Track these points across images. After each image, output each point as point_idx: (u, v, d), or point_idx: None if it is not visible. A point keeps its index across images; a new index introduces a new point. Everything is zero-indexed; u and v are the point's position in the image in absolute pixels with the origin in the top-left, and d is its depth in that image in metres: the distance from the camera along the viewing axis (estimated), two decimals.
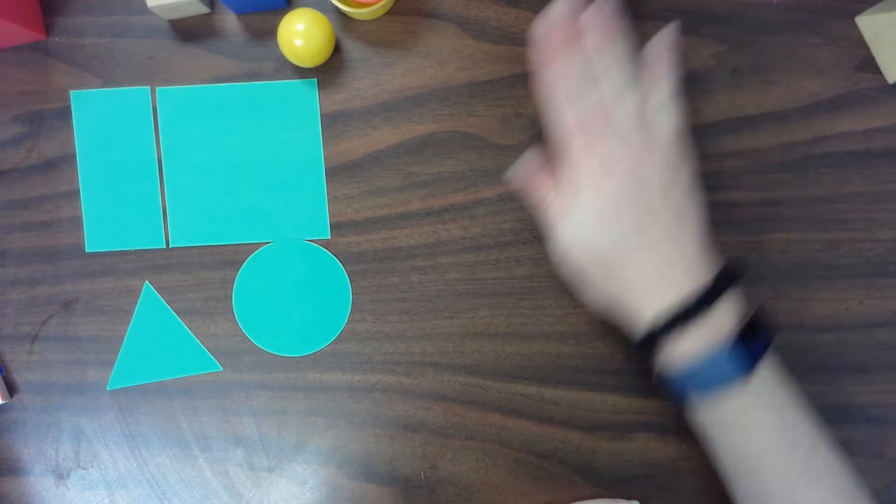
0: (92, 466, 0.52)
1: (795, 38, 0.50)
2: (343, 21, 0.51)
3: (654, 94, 0.43)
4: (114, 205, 0.52)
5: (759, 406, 0.40)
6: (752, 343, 0.40)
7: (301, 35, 0.47)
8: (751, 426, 0.41)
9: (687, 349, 0.40)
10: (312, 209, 0.51)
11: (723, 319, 0.40)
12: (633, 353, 0.48)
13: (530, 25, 0.50)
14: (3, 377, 0.52)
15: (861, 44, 0.50)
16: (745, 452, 0.41)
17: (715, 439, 0.43)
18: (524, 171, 0.47)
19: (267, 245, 0.52)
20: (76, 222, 0.52)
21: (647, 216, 0.41)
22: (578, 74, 0.42)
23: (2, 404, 0.52)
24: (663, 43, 0.44)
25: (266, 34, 0.51)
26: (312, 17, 0.47)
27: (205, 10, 0.51)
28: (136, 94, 0.51)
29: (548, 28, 0.44)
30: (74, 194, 0.52)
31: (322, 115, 0.51)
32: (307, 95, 0.51)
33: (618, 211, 0.41)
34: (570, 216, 0.43)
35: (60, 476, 0.52)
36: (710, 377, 0.40)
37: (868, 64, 0.50)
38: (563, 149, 0.43)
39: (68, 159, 0.52)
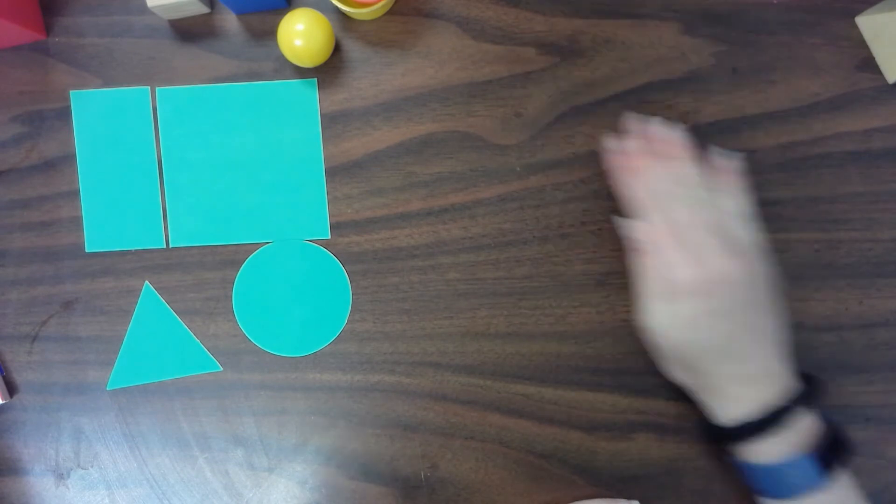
0: (92, 466, 0.52)
1: (795, 38, 0.50)
2: (343, 21, 0.51)
3: (730, 204, 0.45)
4: (114, 205, 0.52)
5: None
6: (830, 454, 0.42)
7: (301, 35, 0.47)
8: None
9: (768, 451, 0.42)
10: (312, 209, 0.51)
11: (804, 427, 0.42)
12: (702, 430, 0.49)
13: (527, 26, 0.50)
14: (3, 377, 0.52)
15: (861, 44, 0.50)
16: None
17: None
18: (639, 229, 0.46)
19: (267, 245, 0.52)
20: (76, 222, 0.52)
21: (738, 329, 0.42)
22: (662, 183, 0.45)
23: (2, 404, 0.52)
24: (729, 161, 0.47)
25: (266, 34, 0.51)
26: (312, 17, 0.47)
27: (205, 10, 0.51)
28: (136, 94, 0.52)
29: (629, 138, 0.47)
30: (74, 194, 0.52)
31: (322, 115, 0.51)
32: (307, 95, 0.51)
33: (711, 322, 0.42)
34: (665, 308, 0.44)
35: (60, 476, 0.52)
36: (789, 480, 0.42)
37: (868, 64, 0.50)
38: (670, 247, 0.43)
39: (68, 159, 0.52)
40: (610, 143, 0.48)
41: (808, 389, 0.43)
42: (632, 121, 0.48)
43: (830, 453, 0.42)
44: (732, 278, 0.42)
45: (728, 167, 0.47)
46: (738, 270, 0.42)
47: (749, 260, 0.43)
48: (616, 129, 0.50)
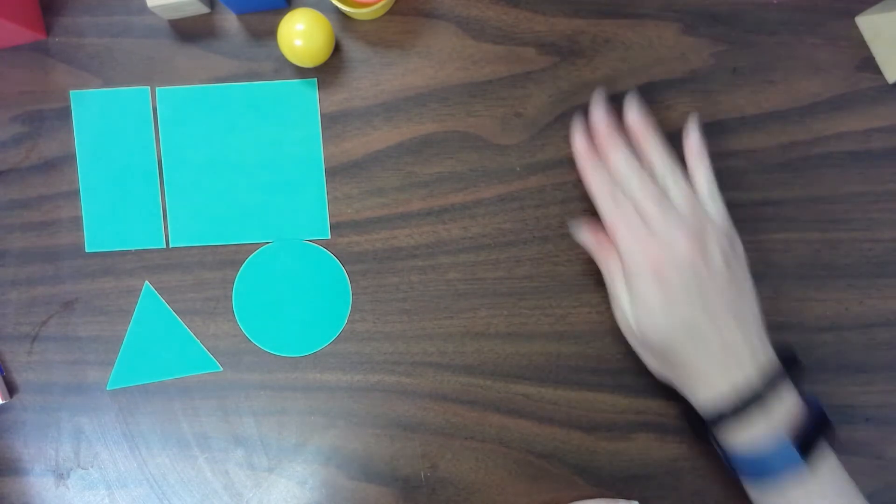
0: (92, 466, 0.52)
1: (795, 38, 0.50)
2: (343, 21, 0.51)
3: (697, 180, 0.45)
4: (114, 205, 0.52)
5: (823, 494, 0.41)
6: (813, 435, 0.41)
7: (301, 35, 0.47)
8: None
9: (748, 435, 0.41)
10: (312, 209, 0.51)
11: (783, 408, 0.41)
12: (687, 422, 0.48)
13: (527, 26, 0.50)
14: (3, 377, 0.52)
15: (861, 44, 0.50)
16: None
17: None
18: (588, 232, 0.47)
19: (267, 245, 0.52)
20: (76, 222, 0.52)
21: (714, 297, 0.42)
22: (629, 166, 0.44)
23: (2, 404, 0.52)
24: (692, 136, 0.46)
25: (266, 34, 0.51)
26: (312, 17, 0.47)
27: (205, 10, 0.51)
28: (136, 94, 0.52)
29: (594, 126, 0.46)
30: (74, 194, 0.52)
31: (322, 115, 0.51)
32: (307, 95, 0.51)
33: (686, 297, 0.42)
34: (637, 300, 0.43)
35: (60, 476, 0.52)
36: (771, 464, 0.41)
37: (868, 64, 0.50)
38: (622, 235, 0.43)
39: (68, 159, 0.52)
40: (578, 139, 0.47)
41: (786, 368, 0.42)
42: (596, 102, 0.47)
43: (813, 434, 0.41)
44: (686, 256, 0.41)
45: (692, 146, 0.46)
46: (690, 247, 0.41)
47: (706, 236, 0.42)
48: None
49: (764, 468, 0.41)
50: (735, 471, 0.44)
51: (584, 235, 0.47)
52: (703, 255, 0.42)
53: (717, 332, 0.41)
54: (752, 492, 0.44)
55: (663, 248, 0.42)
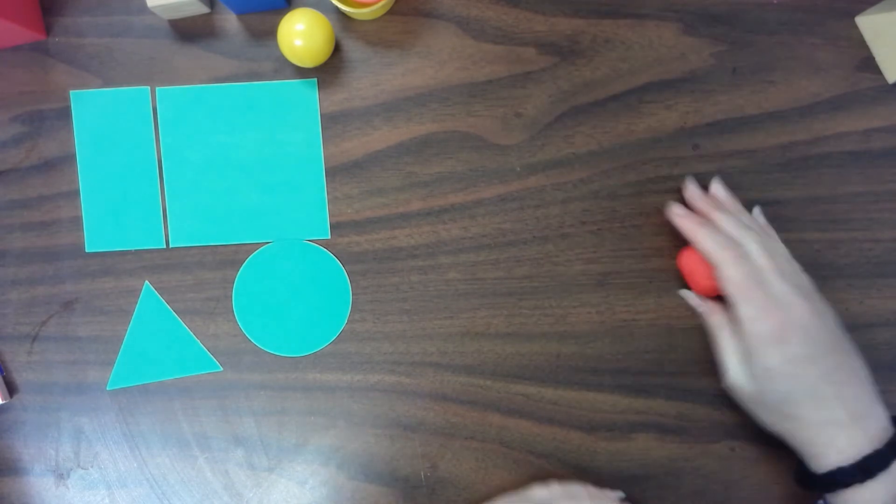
0: (92, 466, 0.52)
1: (795, 38, 0.50)
2: (343, 21, 0.51)
3: (781, 250, 0.46)
4: (114, 205, 0.52)
5: None
6: None
7: (301, 35, 0.47)
8: None
9: (870, 498, 0.40)
10: (312, 209, 0.51)
11: None
12: (800, 485, 0.46)
13: (527, 26, 0.50)
14: (3, 377, 0.52)
15: (861, 44, 0.50)
16: None
17: None
18: (697, 300, 0.49)
19: (267, 245, 0.52)
20: (76, 222, 0.52)
21: (823, 373, 0.41)
22: (736, 225, 0.45)
23: (2, 404, 0.52)
24: (756, 210, 0.49)
25: (266, 34, 0.51)
26: (312, 17, 0.47)
27: (205, 10, 0.51)
28: (136, 94, 0.52)
29: (690, 198, 0.48)
30: (74, 194, 0.52)
31: (322, 115, 0.51)
32: (307, 95, 0.51)
33: (796, 369, 0.42)
34: (757, 361, 0.43)
35: (60, 476, 0.52)
36: None
37: (868, 64, 0.50)
38: (743, 297, 0.43)
39: (68, 159, 0.52)
40: (676, 208, 0.48)
41: None
42: (690, 185, 0.49)
43: None
44: (810, 322, 0.42)
45: (762, 217, 0.49)
46: (812, 313, 0.42)
47: (816, 302, 0.43)
48: (615, 131, 0.50)
49: None
50: None
51: (691, 298, 0.49)
52: (818, 317, 0.42)
53: (840, 395, 0.41)
54: None
55: (783, 310, 0.42)
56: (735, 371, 0.44)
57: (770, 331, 0.42)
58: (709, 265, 0.45)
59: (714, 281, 0.45)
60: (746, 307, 0.43)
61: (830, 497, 0.42)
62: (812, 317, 0.42)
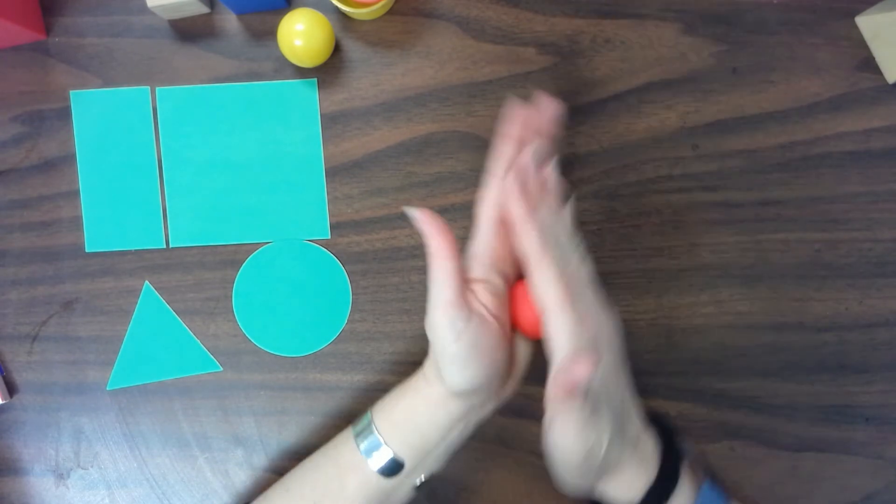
0: (92, 466, 0.52)
1: (795, 38, 0.50)
2: (343, 21, 0.51)
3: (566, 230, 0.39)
4: (114, 205, 0.52)
5: None
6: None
7: (301, 35, 0.47)
8: None
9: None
10: (312, 209, 0.51)
11: (690, 479, 0.39)
12: None
13: (527, 26, 0.50)
14: (3, 377, 0.52)
15: (861, 44, 0.50)
16: None
17: None
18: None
19: (267, 245, 0.52)
20: (76, 222, 0.52)
21: (623, 386, 0.38)
22: (553, 228, 0.38)
23: (2, 404, 0.52)
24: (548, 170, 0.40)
25: (266, 34, 0.51)
26: (312, 17, 0.47)
27: (205, 10, 0.51)
28: (136, 94, 0.51)
29: (511, 170, 0.39)
30: (74, 194, 0.52)
31: (322, 115, 0.51)
32: (307, 95, 0.51)
33: (602, 406, 0.36)
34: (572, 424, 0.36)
35: (60, 476, 0.52)
36: None
37: (868, 64, 0.50)
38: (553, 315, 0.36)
39: (68, 159, 0.52)
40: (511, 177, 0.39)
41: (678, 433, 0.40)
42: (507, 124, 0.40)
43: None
44: (614, 335, 0.37)
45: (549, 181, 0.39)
46: (614, 323, 0.37)
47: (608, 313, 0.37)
48: (615, 131, 0.50)
49: None
50: None
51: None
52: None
53: (622, 428, 0.38)
54: None
55: (601, 330, 0.37)
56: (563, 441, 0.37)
57: (590, 358, 0.34)
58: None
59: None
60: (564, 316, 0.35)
61: None
62: (615, 327, 0.37)
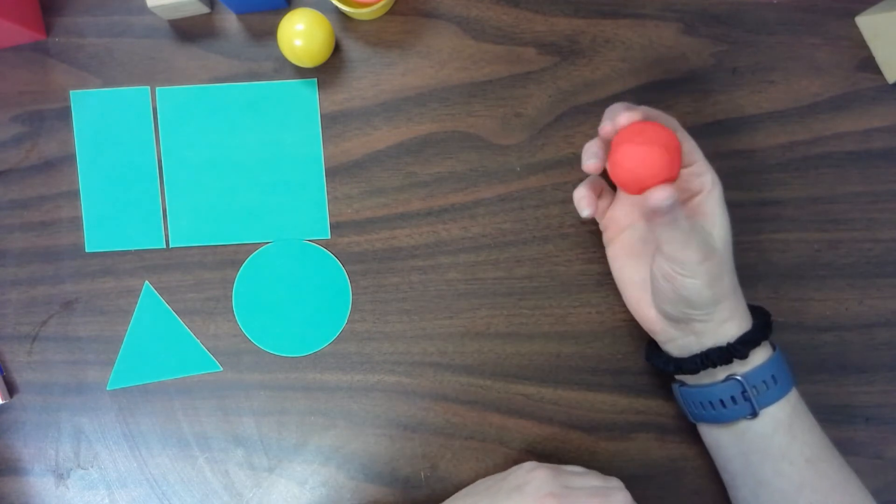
0: (92, 466, 0.52)
1: (795, 38, 0.50)
2: (343, 21, 0.51)
3: None
4: (114, 205, 0.52)
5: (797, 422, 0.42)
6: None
7: (301, 35, 0.47)
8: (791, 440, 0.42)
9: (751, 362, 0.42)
10: (312, 209, 0.51)
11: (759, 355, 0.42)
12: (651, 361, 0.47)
13: (527, 26, 0.50)
14: (3, 377, 0.52)
15: (861, 44, 0.50)
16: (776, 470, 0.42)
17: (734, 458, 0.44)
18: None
19: (267, 245, 0.52)
20: (76, 222, 0.52)
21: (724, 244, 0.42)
22: None
23: (2, 404, 0.52)
24: None
25: (266, 34, 0.51)
26: (312, 17, 0.47)
27: (205, 10, 0.51)
28: (136, 94, 0.52)
29: None
30: (74, 194, 0.52)
31: (322, 115, 0.51)
32: (307, 95, 0.51)
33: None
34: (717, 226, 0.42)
35: (60, 476, 0.52)
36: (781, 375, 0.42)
37: (868, 64, 0.50)
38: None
39: (68, 159, 0.52)
40: None
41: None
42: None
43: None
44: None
45: None
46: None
47: None
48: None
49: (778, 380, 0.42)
50: (702, 410, 0.44)
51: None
52: None
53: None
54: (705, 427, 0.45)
55: None
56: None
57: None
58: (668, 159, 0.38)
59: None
60: (706, 160, 0.42)
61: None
62: None
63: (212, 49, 0.51)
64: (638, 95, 0.50)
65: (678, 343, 0.44)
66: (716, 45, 0.50)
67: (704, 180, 0.42)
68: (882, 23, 0.48)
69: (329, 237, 0.51)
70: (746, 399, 0.41)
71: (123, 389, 0.52)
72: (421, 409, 0.51)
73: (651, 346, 0.48)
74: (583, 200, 0.44)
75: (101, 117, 0.52)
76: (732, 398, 0.42)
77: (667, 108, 0.50)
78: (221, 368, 0.52)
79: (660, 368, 0.46)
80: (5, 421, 0.52)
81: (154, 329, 0.52)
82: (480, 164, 0.51)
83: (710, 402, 0.43)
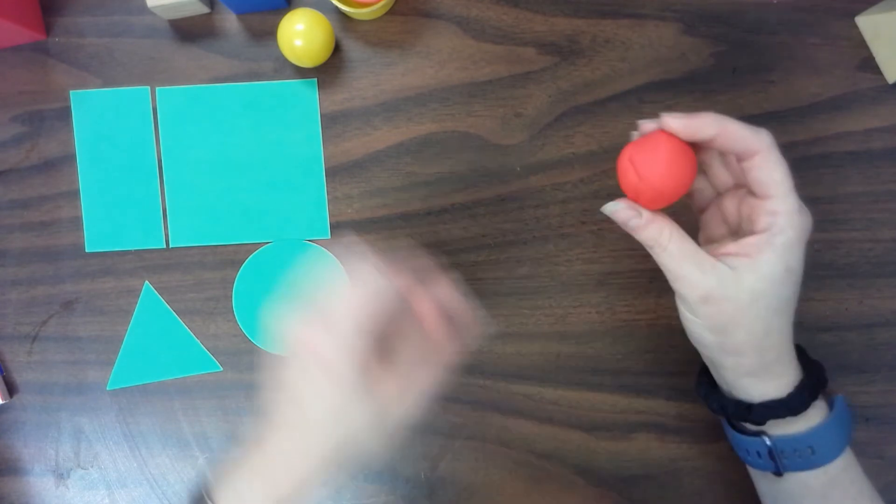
0: (92, 466, 0.52)
1: (795, 38, 0.50)
2: (343, 21, 0.51)
3: None
4: (114, 205, 0.52)
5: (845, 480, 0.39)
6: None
7: (301, 35, 0.47)
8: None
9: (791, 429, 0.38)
10: (312, 209, 0.51)
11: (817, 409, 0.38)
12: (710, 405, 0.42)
13: (527, 26, 0.50)
14: (3, 377, 0.52)
15: (861, 44, 0.50)
16: None
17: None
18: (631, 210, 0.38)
19: (267, 245, 0.52)
20: (76, 222, 0.52)
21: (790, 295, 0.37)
22: None
23: (2, 404, 0.52)
24: None
25: (266, 34, 0.51)
26: (312, 17, 0.47)
27: (205, 10, 0.51)
28: (136, 94, 0.51)
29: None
30: (74, 194, 0.52)
31: (322, 115, 0.51)
32: (307, 95, 0.51)
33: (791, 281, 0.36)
34: (772, 264, 0.35)
35: (60, 476, 0.52)
36: (815, 449, 0.38)
37: (868, 64, 0.50)
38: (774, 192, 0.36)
39: (68, 159, 0.52)
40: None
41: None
42: None
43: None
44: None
45: None
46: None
47: None
48: (615, 131, 0.50)
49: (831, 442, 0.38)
50: (760, 459, 0.40)
51: (622, 209, 0.38)
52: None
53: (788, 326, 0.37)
54: (774, 485, 0.40)
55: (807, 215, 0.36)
56: (707, 283, 0.35)
57: (807, 229, 0.35)
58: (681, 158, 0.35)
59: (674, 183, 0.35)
60: (793, 199, 0.35)
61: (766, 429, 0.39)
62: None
63: (212, 49, 0.51)
64: (638, 95, 0.50)
65: (714, 374, 0.40)
66: (716, 45, 0.50)
67: (774, 222, 0.34)
68: (882, 23, 0.48)
69: (329, 237, 0.51)
70: (772, 459, 0.38)
71: (123, 389, 0.52)
72: (421, 409, 0.51)
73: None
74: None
75: (101, 117, 0.52)
76: (758, 453, 0.38)
77: (666, 109, 0.50)
78: (221, 368, 0.52)
79: (695, 391, 0.42)
80: (5, 421, 0.52)
81: (154, 329, 0.52)
82: (480, 164, 0.51)
83: (738, 446, 0.40)
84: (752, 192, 0.36)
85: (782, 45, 0.50)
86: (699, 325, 0.36)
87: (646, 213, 0.36)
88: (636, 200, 0.37)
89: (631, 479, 0.51)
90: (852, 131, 0.50)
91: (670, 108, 0.50)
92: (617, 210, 0.36)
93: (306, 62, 0.48)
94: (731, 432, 0.41)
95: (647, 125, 0.37)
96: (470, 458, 0.51)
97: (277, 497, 0.36)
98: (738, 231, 0.38)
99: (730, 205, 0.39)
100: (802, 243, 0.35)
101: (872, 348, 0.50)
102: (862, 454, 0.50)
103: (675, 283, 0.36)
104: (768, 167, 0.35)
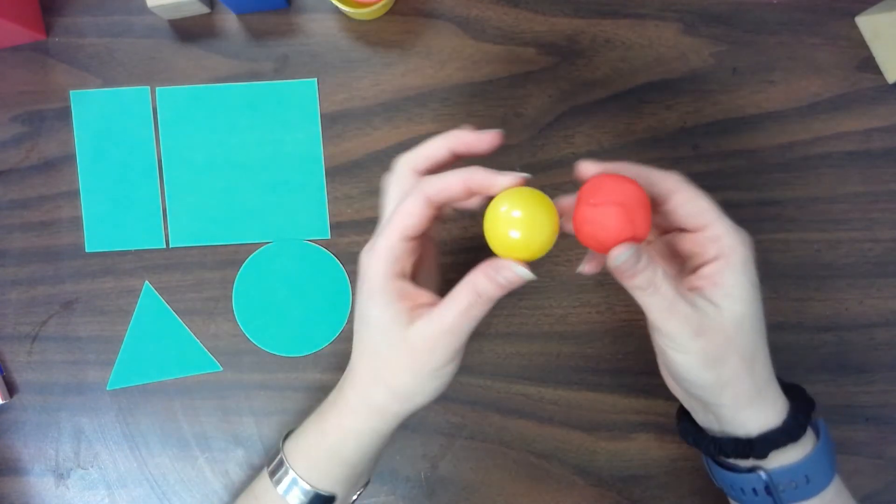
0: (92, 466, 0.52)
1: (795, 38, 0.50)
2: (343, 21, 0.51)
3: None
4: (114, 205, 0.52)
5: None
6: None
7: (520, 224, 0.36)
8: None
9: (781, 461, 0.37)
10: (312, 209, 0.51)
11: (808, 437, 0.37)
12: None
13: (527, 26, 0.50)
14: (3, 377, 0.52)
15: (861, 44, 0.50)
16: None
17: None
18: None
19: (267, 245, 0.52)
20: (76, 222, 0.52)
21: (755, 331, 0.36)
22: None
23: (2, 404, 0.52)
24: None
25: (266, 34, 0.51)
26: (533, 199, 0.36)
27: (205, 10, 0.51)
28: (136, 94, 0.52)
29: None
30: (74, 194, 0.52)
31: (322, 115, 0.51)
32: (307, 95, 0.51)
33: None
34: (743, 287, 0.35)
35: (60, 476, 0.52)
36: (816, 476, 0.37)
37: (868, 64, 0.50)
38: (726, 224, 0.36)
39: (68, 159, 0.52)
40: None
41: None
42: None
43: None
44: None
45: None
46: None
47: None
48: (615, 131, 0.50)
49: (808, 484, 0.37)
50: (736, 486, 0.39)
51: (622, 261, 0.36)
52: None
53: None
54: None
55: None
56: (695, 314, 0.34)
57: (750, 243, 0.35)
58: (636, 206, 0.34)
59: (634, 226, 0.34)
60: (727, 219, 0.35)
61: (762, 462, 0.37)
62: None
63: (212, 49, 0.51)
64: (638, 95, 0.50)
65: (700, 418, 0.39)
66: (716, 45, 0.50)
67: (722, 246, 0.35)
68: (882, 23, 0.48)
69: (329, 237, 0.51)
70: (770, 494, 0.37)
71: (123, 389, 0.52)
72: (421, 409, 0.51)
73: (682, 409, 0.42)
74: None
75: (101, 117, 0.52)
76: (754, 490, 0.37)
77: (667, 108, 0.50)
78: (221, 368, 0.52)
79: (680, 436, 0.41)
80: (5, 421, 0.52)
81: (154, 329, 0.52)
82: (480, 164, 0.51)
83: (731, 486, 0.38)
84: (684, 230, 0.37)
85: (782, 45, 0.50)
86: (693, 364, 0.35)
87: (643, 255, 0.35)
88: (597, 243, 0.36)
89: (631, 479, 0.51)
90: (852, 131, 0.50)
91: (670, 108, 0.50)
92: (629, 255, 0.34)
93: (525, 256, 0.37)
94: (720, 472, 0.39)
95: (585, 169, 0.39)
96: (470, 458, 0.51)
97: (327, 445, 0.39)
98: (682, 270, 0.38)
99: (661, 251, 0.39)
100: (753, 257, 0.36)
101: (872, 348, 0.50)
102: (862, 454, 0.50)
103: (668, 323, 0.34)
104: (693, 199, 0.36)
